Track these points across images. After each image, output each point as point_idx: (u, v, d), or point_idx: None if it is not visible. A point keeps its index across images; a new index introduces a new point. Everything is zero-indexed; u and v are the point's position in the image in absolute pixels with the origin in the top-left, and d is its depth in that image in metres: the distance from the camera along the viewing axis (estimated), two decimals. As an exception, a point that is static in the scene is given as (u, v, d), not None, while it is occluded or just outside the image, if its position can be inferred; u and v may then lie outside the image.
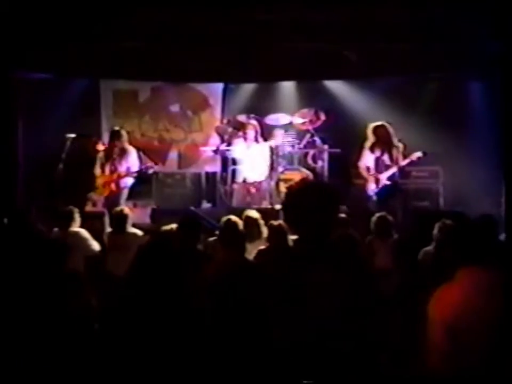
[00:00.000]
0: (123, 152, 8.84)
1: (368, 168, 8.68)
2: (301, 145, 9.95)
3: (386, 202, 8.39)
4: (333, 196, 2.67)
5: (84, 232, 6.73)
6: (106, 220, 8.00)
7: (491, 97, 9.37)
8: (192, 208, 8.85)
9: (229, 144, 9.60)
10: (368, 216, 6.79)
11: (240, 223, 5.31)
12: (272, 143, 9.58)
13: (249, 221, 5.92)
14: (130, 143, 9.25)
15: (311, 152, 9.99)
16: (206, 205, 9.85)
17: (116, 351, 3.02)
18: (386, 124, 8.61)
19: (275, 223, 5.69)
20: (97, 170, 8.82)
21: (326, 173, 9.78)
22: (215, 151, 9.91)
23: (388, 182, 8.51)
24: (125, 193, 8.87)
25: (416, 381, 2.87)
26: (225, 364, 3.21)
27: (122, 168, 8.78)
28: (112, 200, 8.56)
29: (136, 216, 8.16)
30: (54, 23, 8.04)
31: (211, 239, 5.89)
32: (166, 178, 10.02)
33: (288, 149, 9.78)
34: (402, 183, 9.07)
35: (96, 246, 6.73)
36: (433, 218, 5.86)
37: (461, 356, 2.58)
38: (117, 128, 9.38)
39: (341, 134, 9.89)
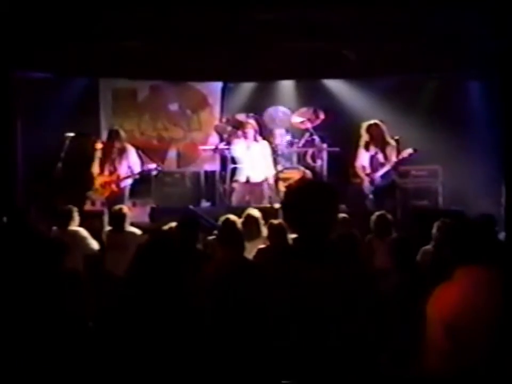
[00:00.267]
0: (122, 152, 8.84)
1: (363, 167, 8.70)
2: (300, 144, 9.95)
3: (385, 201, 8.40)
4: (332, 194, 2.66)
5: (83, 231, 6.73)
6: (105, 218, 8.01)
7: (490, 97, 9.38)
8: (191, 207, 8.84)
9: (228, 143, 9.59)
10: (367, 215, 6.79)
11: (239, 222, 5.32)
12: (272, 141, 9.59)
13: (249, 219, 5.92)
14: (130, 142, 9.26)
15: (310, 151, 10.00)
16: (205, 203, 9.86)
17: (115, 350, 3.01)
18: (379, 122, 8.63)
19: (275, 222, 5.69)
20: (96, 169, 8.82)
21: (325, 171, 9.79)
22: (214, 150, 9.90)
23: (381, 180, 8.54)
24: (126, 193, 8.88)
25: (416, 381, 2.87)
26: (224, 363, 3.21)
27: (122, 168, 8.77)
28: (115, 200, 8.54)
29: (135, 215, 8.16)
30: (53, 22, 8.03)
31: (210, 238, 5.90)
32: (165, 177, 10.02)
33: (287, 147, 9.79)
34: (402, 182, 9.08)
35: (95, 245, 6.74)
36: (432, 217, 5.87)
37: (460, 355, 2.58)
38: (115, 127, 9.39)
39: (340, 133, 9.89)
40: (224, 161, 9.75)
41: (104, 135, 9.96)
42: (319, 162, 9.88)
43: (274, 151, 9.52)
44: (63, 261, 3.91)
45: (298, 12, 7.98)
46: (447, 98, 10.00)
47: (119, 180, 8.73)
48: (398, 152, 8.61)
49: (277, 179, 9.40)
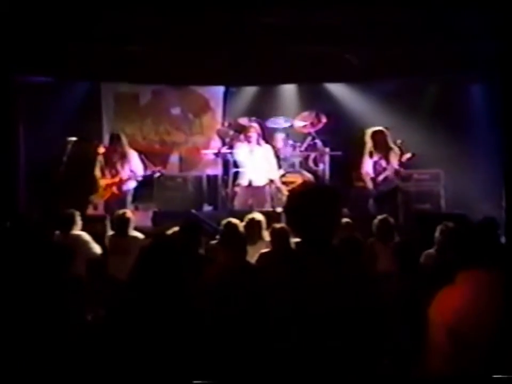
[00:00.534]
0: (124, 156, 8.84)
1: (367, 174, 8.74)
2: (302, 148, 9.96)
3: (387, 204, 8.40)
4: (334, 198, 2.66)
5: (85, 235, 6.74)
6: (108, 223, 8.01)
7: (492, 100, 9.37)
8: (194, 211, 8.84)
9: (230, 147, 9.58)
10: (370, 218, 6.78)
11: (241, 225, 5.31)
12: (274, 145, 9.59)
13: (251, 223, 5.92)
14: (132, 146, 9.26)
15: (312, 155, 10.00)
16: (207, 208, 9.85)
17: (117, 354, 3.01)
18: (383, 129, 8.66)
19: (277, 226, 5.69)
20: (98, 173, 8.82)
21: (327, 175, 9.79)
22: (217, 154, 9.90)
23: (383, 184, 8.58)
24: (129, 197, 8.87)
25: (418, 383, 2.86)
26: (226, 366, 3.20)
27: (124, 172, 8.78)
28: (116, 204, 8.55)
29: (138, 219, 8.15)
30: (55, 26, 8.05)
31: (213, 242, 5.89)
32: (167, 181, 10.01)
33: (289, 151, 9.79)
34: (404, 185, 9.08)
35: (97, 249, 6.73)
36: (435, 221, 5.86)
37: (462, 358, 2.58)
38: (116, 132, 9.40)
39: (342, 136, 9.90)
40: (226, 165, 9.74)
41: (106, 140, 9.97)
42: (321, 166, 9.88)
43: (276, 155, 9.52)
44: (69, 266, 3.91)
45: (301, 16, 7.99)
46: (448, 102, 9.99)
47: (120, 183, 8.74)
48: (401, 157, 8.66)
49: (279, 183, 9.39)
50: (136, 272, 3.21)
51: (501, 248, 3.46)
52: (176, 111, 11.18)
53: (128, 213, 7.04)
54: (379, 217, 6.54)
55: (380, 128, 8.69)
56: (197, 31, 8.34)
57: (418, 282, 4.26)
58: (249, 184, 9.23)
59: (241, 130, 9.75)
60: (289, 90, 10.82)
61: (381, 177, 8.61)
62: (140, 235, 6.84)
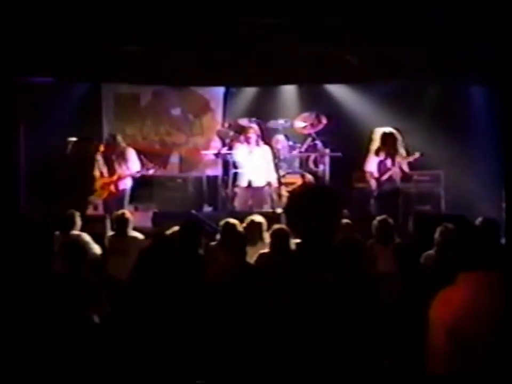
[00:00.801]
0: (121, 155, 8.84)
1: (371, 173, 8.74)
2: (302, 149, 9.96)
3: (387, 206, 8.40)
4: (335, 199, 2.66)
5: (85, 236, 6.73)
6: (107, 223, 8.01)
7: (493, 102, 9.38)
8: (194, 212, 8.84)
9: (230, 148, 9.59)
10: (369, 219, 6.78)
11: (239, 225, 5.31)
12: (273, 147, 9.59)
13: (252, 225, 5.93)
14: (132, 147, 9.26)
15: (313, 156, 10.01)
16: (207, 208, 9.86)
17: (117, 354, 3.01)
18: (395, 132, 8.66)
19: (277, 227, 5.69)
20: (97, 173, 8.82)
21: (327, 176, 9.79)
22: (217, 155, 9.91)
23: (385, 183, 8.59)
24: (126, 196, 8.86)
25: (418, 385, 2.87)
26: (226, 367, 3.21)
27: (121, 170, 8.78)
28: (114, 203, 8.55)
29: (138, 220, 8.15)
30: (56, 27, 8.05)
31: (213, 243, 5.89)
32: (167, 182, 10.03)
33: (289, 152, 9.79)
34: (404, 186, 9.09)
35: (97, 249, 6.73)
36: (435, 222, 5.86)
37: (462, 359, 2.58)
38: (113, 132, 9.44)
39: (342, 138, 9.89)
40: (226, 166, 9.74)
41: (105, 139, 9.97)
42: (321, 167, 9.89)
43: (276, 156, 9.53)
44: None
45: (300, 16, 7.99)
46: (449, 104, 10.00)
47: (118, 181, 8.72)
48: (408, 158, 8.67)
49: (279, 184, 9.39)
50: (136, 273, 3.21)
51: (501, 249, 3.46)
52: (176, 111, 11.18)
53: (127, 213, 7.05)
54: (378, 218, 6.53)
55: (392, 130, 8.70)
56: (197, 31, 8.34)
57: (418, 283, 4.26)
58: (249, 185, 9.24)
59: (241, 131, 9.75)
60: (289, 91, 10.82)
61: (384, 177, 8.63)
62: (139, 235, 6.85)
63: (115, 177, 8.72)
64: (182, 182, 10.20)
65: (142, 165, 9.13)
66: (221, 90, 11.03)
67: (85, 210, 8.73)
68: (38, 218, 7.86)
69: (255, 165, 9.20)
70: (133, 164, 8.86)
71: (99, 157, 8.91)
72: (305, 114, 10.03)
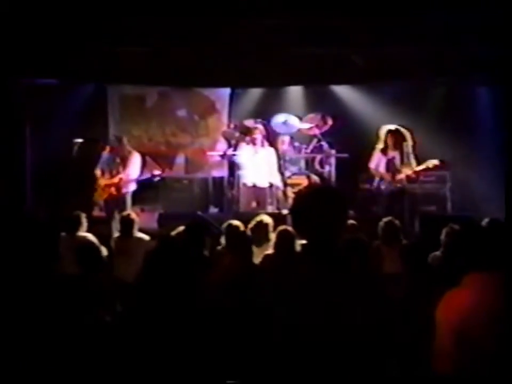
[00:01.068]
0: (126, 158, 8.82)
1: (377, 170, 8.61)
2: (308, 150, 9.95)
3: (393, 206, 8.36)
4: (341, 200, 2.66)
5: (91, 237, 6.75)
6: (113, 224, 8.02)
7: (498, 102, 9.36)
8: (199, 213, 8.84)
9: (236, 149, 9.59)
10: (376, 221, 6.77)
11: (242, 227, 5.31)
12: (278, 148, 9.59)
13: (259, 225, 5.93)
14: (138, 148, 9.26)
15: (318, 157, 9.99)
16: (213, 209, 9.86)
17: (124, 355, 3.02)
18: (400, 129, 8.53)
19: (282, 228, 5.69)
20: (98, 172, 8.80)
21: (333, 177, 9.77)
22: (222, 156, 9.90)
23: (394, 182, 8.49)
24: (128, 199, 8.80)
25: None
26: (232, 367, 3.20)
27: (124, 174, 8.76)
28: (115, 205, 8.54)
29: (143, 221, 8.17)
30: (62, 29, 8.08)
31: (219, 247, 5.87)
32: (173, 183, 10.04)
33: (295, 153, 9.79)
34: (410, 187, 9.05)
35: (103, 250, 6.74)
36: (441, 223, 5.85)
37: (469, 361, 2.57)
38: (119, 134, 9.43)
39: (348, 139, 9.88)
40: (232, 167, 9.75)
41: (111, 141, 9.98)
42: (327, 168, 9.87)
43: (281, 157, 9.52)
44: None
45: (306, 17, 7.99)
46: (455, 104, 9.99)
47: (119, 184, 8.70)
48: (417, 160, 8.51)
49: (284, 185, 9.39)
50: (142, 274, 3.22)
51: (507, 250, 3.45)
52: (182, 113, 11.20)
53: (133, 214, 7.06)
54: (384, 219, 6.52)
55: (396, 127, 8.54)
56: (204, 32, 8.35)
57: (425, 285, 4.25)
58: (252, 186, 9.23)
59: (247, 132, 9.76)
60: (295, 92, 10.82)
61: (399, 177, 8.42)
62: (145, 236, 6.86)
63: (116, 180, 8.70)
64: (188, 183, 10.22)
65: (148, 169, 9.12)
66: (226, 91, 11.04)
67: (91, 211, 8.74)
68: (44, 219, 7.89)
69: (260, 166, 9.19)
70: (135, 170, 8.80)
71: (103, 157, 8.89)
72: (311, 115, 10.02)
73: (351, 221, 6.27)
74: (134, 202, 8.96)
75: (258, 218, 6.08)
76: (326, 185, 9.26)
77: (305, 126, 9.93)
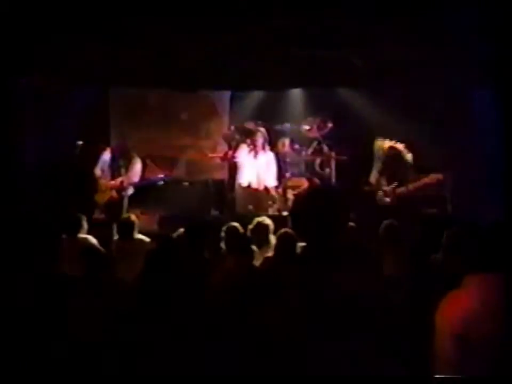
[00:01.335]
0: (128, 163, 8.82)
1: (378, 183, 8.66)
2: (308, 152, 9.96)
3: (395, 210, 8.37)
4: (341, 202, 2.66)
5: (92, 239, 6.75)
6: (114, 227, 8.01)
7: (498, 104, 9.35)
8: (200, 215, 8.85)
9: (236, 152, 9.60)
10: (377, 223, 6.77)
11: (241, 228, 5.30)
12: (279, 150, 9.60)
13: (259, 227, 5.93)
14: (139, 151, 9.27)
15: (318, 159, 10.00)
16: (213, 212, 9.86)
17: (125, 357, 3.02)
18: (395, 145, 8.57)
19: (283, 230, 5.68)
20: (98, 171, 8.78)
21: (333, 180, 9.78)
22: (223, 159, 9.91)
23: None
24: (125, 202, 8.82)
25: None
26: (233, 370, 3.20)
27: (125, 177, 8.76)
28: (113, 207, 8.55)
29: (144, 223, 8.17)
30: (64, 31, 8.08)
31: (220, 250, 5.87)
32: (174, 186, 10.03)
33: (295, 156, 9.80)
34: (410, 198, 9.05)
35: (104, 252, 6.73)
36: (442, 225, 5.84)
37: (469, 364, 2.57)
38: (123, 138, 9.44)
39: (348, 141, 9.89)
40: (232, 169, 9.75)
41: (113, 144, 9.99)
42: (327, 170, 9.88)
43: (282, 159, 9.53)
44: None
45: (308, 19, 7.99)
46: (454, 106, 9.97)
47: (121, 187, 8.70)
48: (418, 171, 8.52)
49: (284, 187, 9.40)
50: (142, 276, 3.22)
51: (508, 252, 3.45)
52: (183, 115, 11.20)
53: (133, 216, 7.06)
54: (385, 222, 6.53)
55: (391, 144, 8.58)
56: (205, 35, 8.35)
57: (425, 287, 4.25)
58: (248, 187, 9.24)
59: (248, 134, 9.77)
60: (295, 95, 10.82)
61: (399, 190, 8.46)
62: (145, 238, 6.86)
63: (118, 183, 8.70)
64: (189, 186, 10.21)
65: (149, 173, 9.13)
66: (227, 94, 11.05)
67: (92, 213, 8.74)
68: (44, 220, 7.89)
69: (259, 170, 9.21)
70: (136, 174, 8.81)
71: (105, 158, 8.89)
72: (312, 118, 10.04)
73: (351, 224, 6.28)
74: (135, 205, 8.98)
75: (257, 220, 6.08)
76: (326, 185, 9.27)
77: (305, 128, 9.94)
